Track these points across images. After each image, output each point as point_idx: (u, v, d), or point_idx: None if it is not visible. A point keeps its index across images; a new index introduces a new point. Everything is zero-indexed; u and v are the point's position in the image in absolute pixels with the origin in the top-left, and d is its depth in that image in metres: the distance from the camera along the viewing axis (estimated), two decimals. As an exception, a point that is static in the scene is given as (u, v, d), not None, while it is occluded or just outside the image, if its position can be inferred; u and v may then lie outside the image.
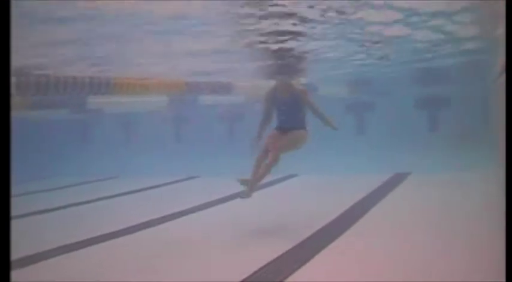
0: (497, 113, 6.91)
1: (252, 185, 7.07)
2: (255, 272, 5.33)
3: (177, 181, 13.38)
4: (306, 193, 10.54)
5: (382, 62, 10.16)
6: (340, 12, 5.66)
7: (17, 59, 6.34)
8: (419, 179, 10.77)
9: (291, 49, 7.65)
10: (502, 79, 5.70)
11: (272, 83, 7.59)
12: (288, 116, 7.23)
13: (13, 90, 6.48)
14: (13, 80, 6.47)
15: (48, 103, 10.90)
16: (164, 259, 6.12)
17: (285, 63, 8.85)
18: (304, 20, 5.87)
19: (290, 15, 5.59)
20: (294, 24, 6.07)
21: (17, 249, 6.42)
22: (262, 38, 6.69)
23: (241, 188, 7.20)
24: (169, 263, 5.94)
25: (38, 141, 17.12)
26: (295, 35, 6.67)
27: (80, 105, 12.39)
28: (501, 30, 4.00)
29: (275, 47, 7.32)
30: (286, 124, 7.23)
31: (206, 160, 14.33)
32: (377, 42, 7.85)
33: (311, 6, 5.31)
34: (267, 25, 5.99)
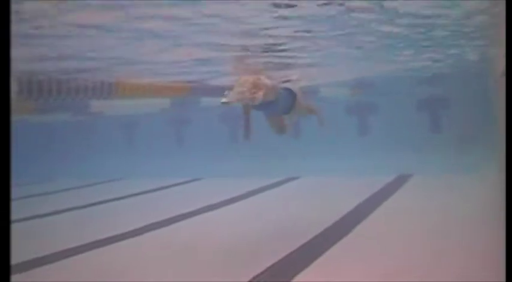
0: (500, 115, 6.90)
1: None
2: (258, 275, 5.36)
3: (180, 183, 13.41)
4: (307, 195, 10.55)
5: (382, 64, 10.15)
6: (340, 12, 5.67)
7: (19, 65, 6.35)
8: (422, 181, 10.78)
9: (290, 49, 7.64)
10: (503, 80, 5.70)
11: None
12: None
13: (15, 95, 6.49)
14: (15, 85, 6.49)
15: (51, 107, 10.90)
16: (169, 261, 6.14)
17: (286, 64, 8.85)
18: (303, 20, 5.86)
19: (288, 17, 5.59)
20: (295, 25, 6.07)
21: (21, 252, 6.51)
22: (262, 39, 6.66)
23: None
24: (174, 266, 5.97)
25: (41, 145, 17.17)
26: (296, 37, 6.66)
27: (82, 108, 12.40)
28: (502, 31, 4.01)
29: (276, 48, 7.31)
30: None
31: (209, 162, 14.35)
32: (378, 43, 7.84)
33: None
34: (267, 26, 5.97)
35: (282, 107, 6.63)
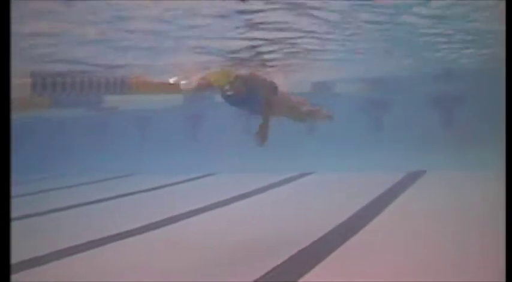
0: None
1: None
2: (271, 271, 5.35)
3: (193, 178, 13.44)
4: (322, 190, 10.55)
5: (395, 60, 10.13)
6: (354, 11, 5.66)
7: (35, 61, 6.44)
8: (434, 178, 10.73)
9: (306, 48, 7.64)
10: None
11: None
12: None
13: (30, 90, 6.56)
14: (29, 80, 6.55)
15: (65, 102, 10.98)
16: (183, 257, 6.15)
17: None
18: (318, 18, 5.85)
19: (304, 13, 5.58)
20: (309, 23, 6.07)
21: (24, 250, 6.52)
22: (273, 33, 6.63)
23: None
24: (184, 261, 5.98)
25: (53, 140, 17.29)
26: (310, 33, 6.65)
27: (96, 103, 12.48)
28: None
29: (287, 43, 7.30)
30: None
31: (222, 157, 14.36)
32: (392, 41, 7.82)
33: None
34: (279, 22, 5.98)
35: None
